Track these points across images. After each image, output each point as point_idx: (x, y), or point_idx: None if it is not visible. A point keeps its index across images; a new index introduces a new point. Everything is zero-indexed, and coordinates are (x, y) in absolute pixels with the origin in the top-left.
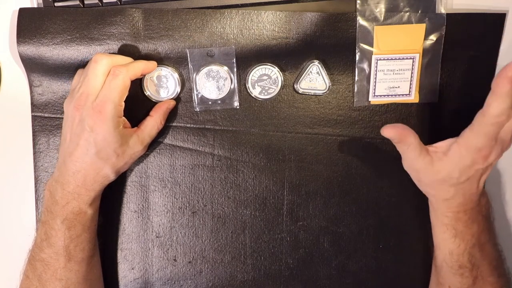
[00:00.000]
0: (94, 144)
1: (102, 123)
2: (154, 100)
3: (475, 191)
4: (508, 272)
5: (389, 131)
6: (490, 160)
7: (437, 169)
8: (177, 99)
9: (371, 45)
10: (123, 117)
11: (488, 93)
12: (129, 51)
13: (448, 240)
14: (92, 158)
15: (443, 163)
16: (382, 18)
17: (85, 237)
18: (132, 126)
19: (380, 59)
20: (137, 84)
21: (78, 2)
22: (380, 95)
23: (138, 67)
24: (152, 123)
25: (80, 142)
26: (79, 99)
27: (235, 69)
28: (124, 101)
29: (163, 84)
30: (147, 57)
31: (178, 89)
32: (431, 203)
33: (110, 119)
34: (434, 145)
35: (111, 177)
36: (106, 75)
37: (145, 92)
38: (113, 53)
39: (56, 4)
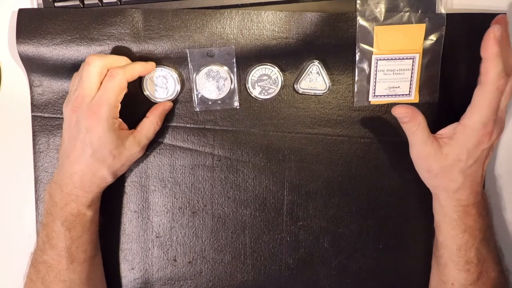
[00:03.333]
0: (90, 145)
1: (98, 124)
2: (153, 101)
3: (480, 180)
4: (507, 269)
5: (400, 109)
6: (493, 137)
7: (446, 153)
8: (177, 99)
9: (371, 45)
10: (119, 119)
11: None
12: (129, 52)
13: (457, 236)
14: (88, 160)
15: (451, 146)
16: (382, 18)
17: (86, 238)
18: (131, 126)
19: (380, 59)
20: (136, 85)
21: (78, 2)
22: (380, 95)
23: (136, 69)
24: (149, 124)
25: (77, 144)
26: (76, 101)
27: (235, 69)
28: (123, 102)
29: (163, 85)
30: (147, 57)
31: (178, 90)
32: (439, 199)
33: (105, 120)
34: (438, 132)
35: (109, 179)
36: (99, 76)
37: (144, 92)
38: (109, 53)
39: (56, 4)
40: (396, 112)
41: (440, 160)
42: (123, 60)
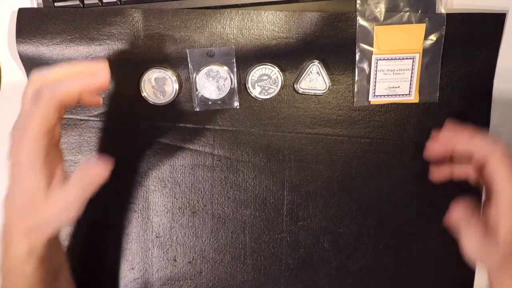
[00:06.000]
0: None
1: (15, 164)
2: (151, 103)
3: None
4: None
5: (457, 213)
6: None
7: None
8: (177, 99)
9: (371, 45)
10: (59, 164)
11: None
12: (129, 52)
13: None
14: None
15: (503, 229)
16: (382, 18)
17: None
18: (129, 130)
19: (380, 59)
20: (134, 85)
21: (78, 2)
22: (380, 95)
23: (72, 86)
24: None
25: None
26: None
27: (235, 69)
28: (120, 103)
29: (161, 87)
30: (146, 57)
31: (176, 92)
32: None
33: (26, 158)
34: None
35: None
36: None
37: (142, 94)
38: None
39: (56, 4)
40: (454, 215)
41: (499, 250)
42: (79, 69)
